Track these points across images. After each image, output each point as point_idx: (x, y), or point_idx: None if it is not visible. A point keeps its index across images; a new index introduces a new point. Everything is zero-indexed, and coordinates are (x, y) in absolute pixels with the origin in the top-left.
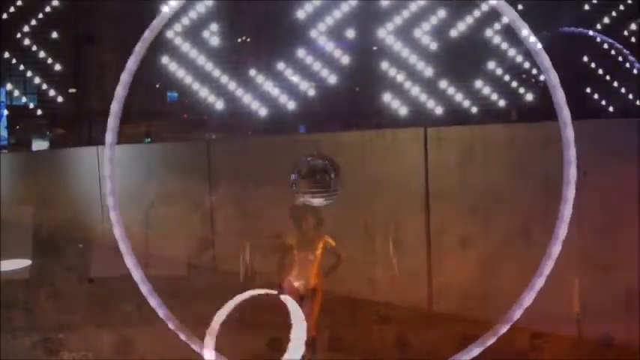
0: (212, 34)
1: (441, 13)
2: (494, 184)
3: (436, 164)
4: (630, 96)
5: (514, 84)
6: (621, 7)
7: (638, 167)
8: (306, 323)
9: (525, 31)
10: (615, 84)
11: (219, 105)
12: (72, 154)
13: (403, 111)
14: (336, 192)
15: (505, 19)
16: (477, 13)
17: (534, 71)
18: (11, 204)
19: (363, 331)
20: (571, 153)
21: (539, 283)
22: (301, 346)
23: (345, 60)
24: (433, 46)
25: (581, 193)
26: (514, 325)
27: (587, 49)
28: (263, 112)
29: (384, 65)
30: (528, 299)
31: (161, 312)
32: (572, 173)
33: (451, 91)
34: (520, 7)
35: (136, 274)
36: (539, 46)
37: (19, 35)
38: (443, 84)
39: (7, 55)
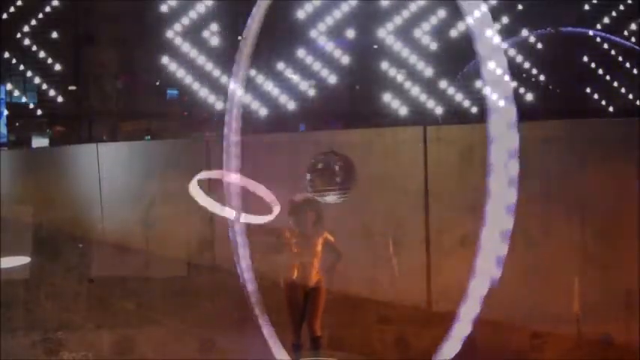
0: (212, 34)
1: (441, 13)
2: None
3: (436, 163)
4: (630, 96)
5: (514, 84)
6: (621, 7)
7: (638, 168)
8: (311, 323)
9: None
10: (615, 84)
11: (219, 104)
12: (72, 152)
13: (403, 111)
14: (349, 189)
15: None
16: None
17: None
18: (10, 202)
19: (362, 331)
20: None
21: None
22: None
23: (345, 60)
24: (433, 46)
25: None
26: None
27: (587, 50)
28: (263, 112)
29: (384, 65)
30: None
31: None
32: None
33: (451, 91)
34: (520, 7)
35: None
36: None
37: (19, 35)
38: (443, 84)
39: (7, 55)
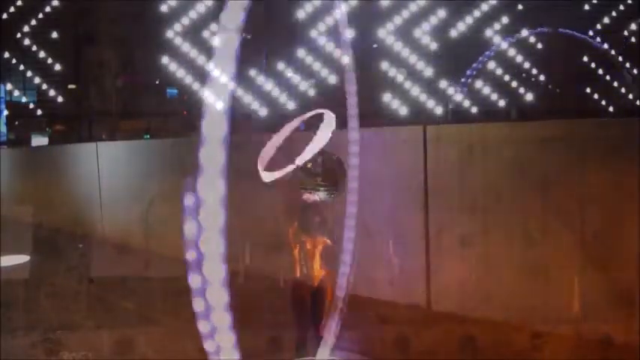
0: (212, 34)
1: (441, 13)
2: (493, 183)
3: (435, 163)
4: (630, 96)
5: (514, 84)
6: (621, 7)
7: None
8: (316, 322)
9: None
10: (615, 84)
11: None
12: (71, 151)
13: (403, 111)
14: (339, 188)
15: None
16: (476, 13)
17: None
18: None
19: (361, 330)
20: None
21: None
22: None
23: (345, 59)
24: (433, 45)
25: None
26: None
27: (587, 49)
28: (263, 112)
29: (384, 65)
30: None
31: None
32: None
33: (451, 90)
34: (520, 7)
35: None
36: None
37: (19, 35)
38: (443, 84)
39: (7, 55)
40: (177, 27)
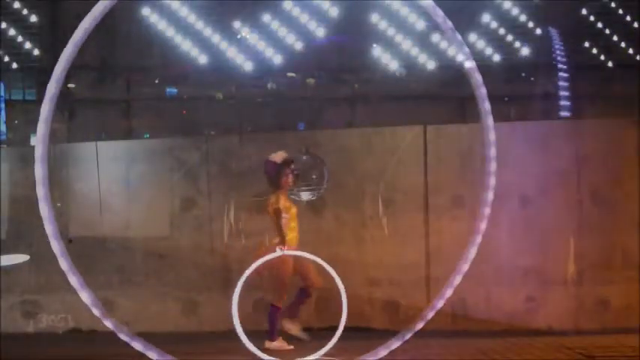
0: None
1: None
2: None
3: (435, 162)
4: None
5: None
6: None
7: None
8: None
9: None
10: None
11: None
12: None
13: (394, 65)
14: (322, 188)
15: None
16: None
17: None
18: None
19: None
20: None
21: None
22: None
23: (334, 12)
24: None
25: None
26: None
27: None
28: (248, 66)
29: (374, 17)
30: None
31: None
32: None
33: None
34: None
35: None
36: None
37: None
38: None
39: None
40: None
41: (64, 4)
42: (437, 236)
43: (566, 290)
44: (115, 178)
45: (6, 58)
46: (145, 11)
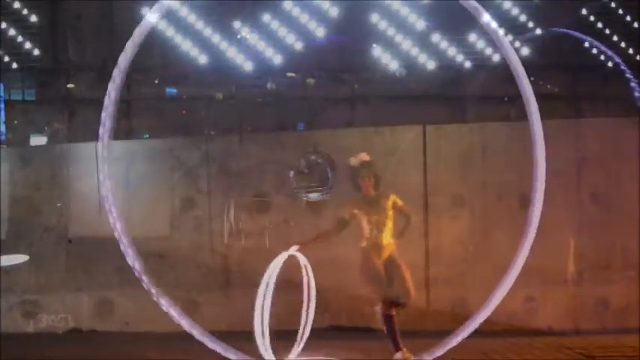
0: None
1: None
2: (492, 182)
3: (435, 162)
4: (630, 51)
5: (509, 37)
6: None
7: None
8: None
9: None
10: (615, 38)
11: (203, 59)
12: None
13: (394, 65)
14: (332, 188)
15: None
16: None
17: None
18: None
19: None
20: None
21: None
22: None
23: (334, 12)
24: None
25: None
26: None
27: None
28: (248, 66)
29: (374, 17)
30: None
31: None
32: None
33: (444, 44)
34: None
35: None
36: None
37: None
38: (435, 37)
39: None
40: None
41: (64, 4)
42: (436, 236)
43: (566, 290)
44: (115, 178)
45: (6, 58)
46: (145, 11)
